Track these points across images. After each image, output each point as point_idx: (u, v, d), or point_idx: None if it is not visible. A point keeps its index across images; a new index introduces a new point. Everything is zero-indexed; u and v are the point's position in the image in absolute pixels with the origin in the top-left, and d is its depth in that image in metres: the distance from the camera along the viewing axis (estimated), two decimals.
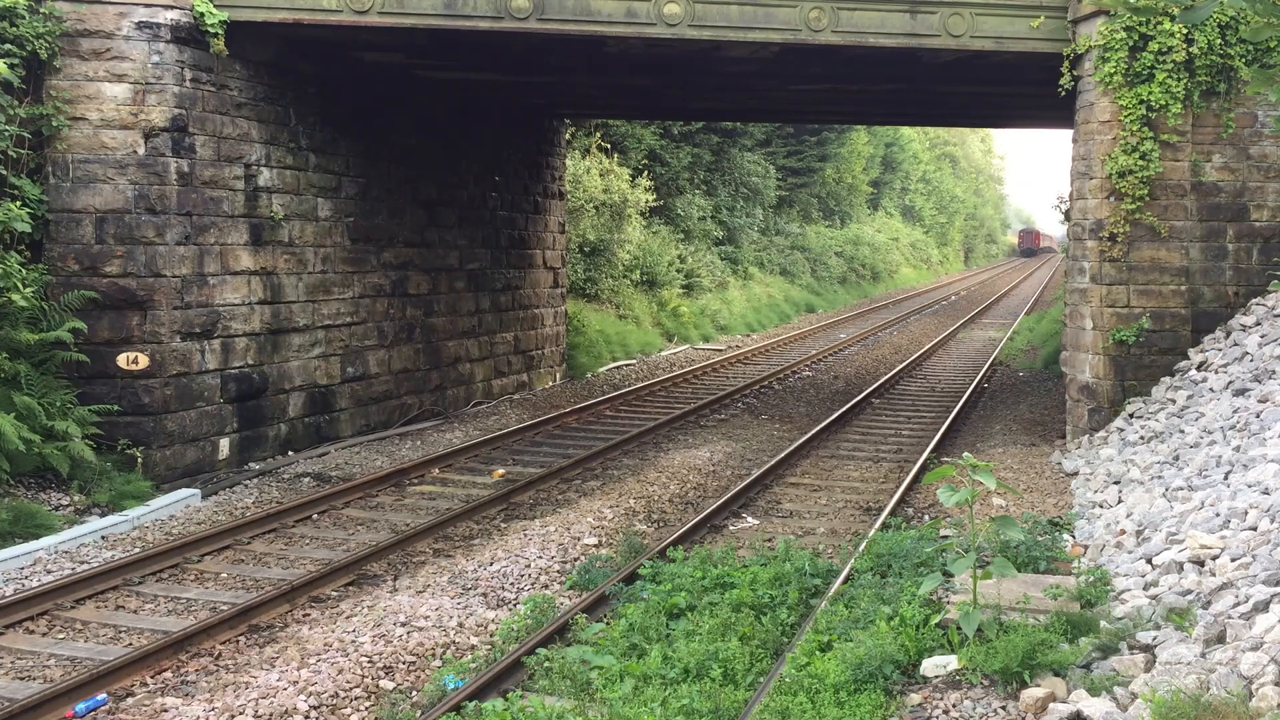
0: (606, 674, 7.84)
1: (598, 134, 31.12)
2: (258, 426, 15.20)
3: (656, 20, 14.47)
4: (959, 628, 7.51)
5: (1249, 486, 9.07)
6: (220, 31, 13.81)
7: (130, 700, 7.94)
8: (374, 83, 17.66)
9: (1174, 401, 13.36)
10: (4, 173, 12.83)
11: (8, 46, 12.79)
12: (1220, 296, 14.79)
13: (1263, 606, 6.75)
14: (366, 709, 7.85)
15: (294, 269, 15.79)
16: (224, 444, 14.57)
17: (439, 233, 19.74)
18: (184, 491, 13.28)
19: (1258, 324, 13.72)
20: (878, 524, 11.87)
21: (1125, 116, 14.33)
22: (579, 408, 19.80)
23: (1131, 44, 14.23)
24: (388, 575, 10.79)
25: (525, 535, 11.79)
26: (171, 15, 13.52)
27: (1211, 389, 12.76)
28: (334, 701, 7.87)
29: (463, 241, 20.56)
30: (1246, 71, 14.12)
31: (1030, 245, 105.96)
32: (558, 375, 24.52)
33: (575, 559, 11.09)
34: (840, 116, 33.40)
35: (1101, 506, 11.30)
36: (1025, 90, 18.13)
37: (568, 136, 27.02)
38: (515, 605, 9.81)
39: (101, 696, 7.85)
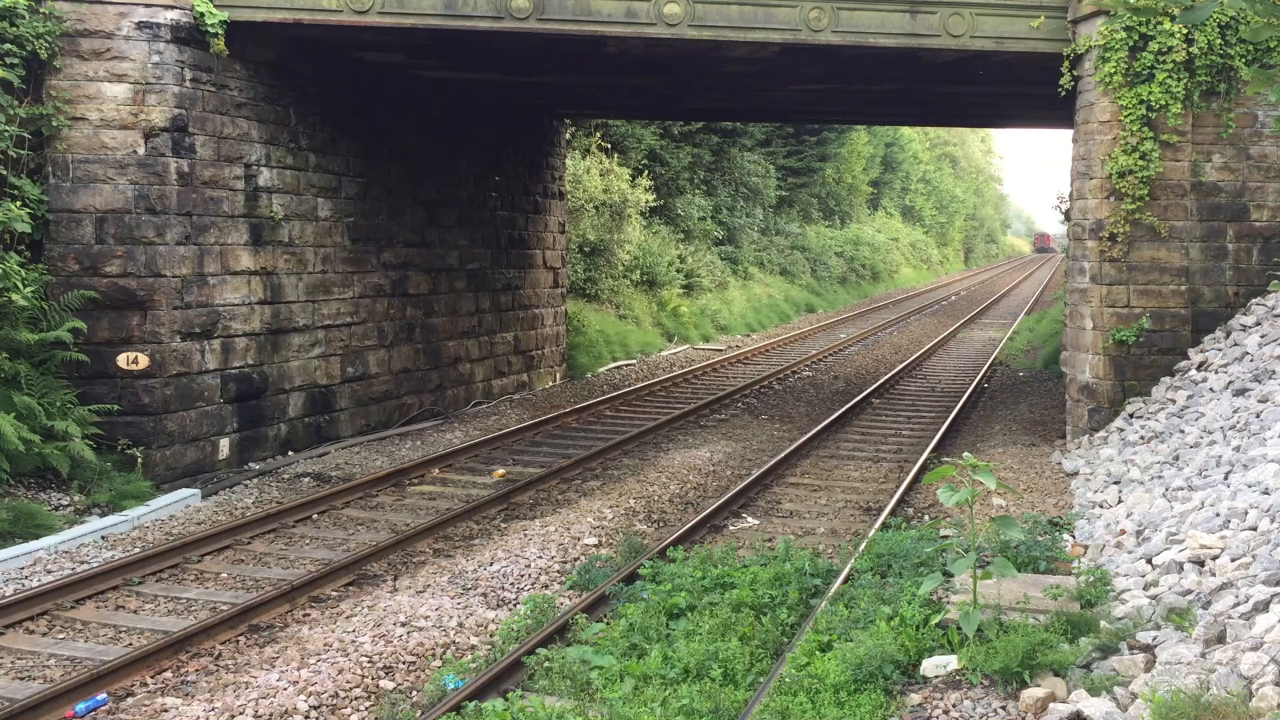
0: (606, 674, 7.84)
1: (598, 134, 31.11)
2: (258, 426, 15.21)
3: (656, 20, 14.47)
4: (959, 628, 7.51)
5: (1249, 486, 9.07)
6: (220, 31, 13.82)
7: (130, 700, 7.94)
8: (374, 83, 17.66)
9: (1174, 401, 13.36)
10: (4, 173, 12.83)
11: (8, 46, 12.79)
12: (1220, 296, 14.78)
13: (1263, 606, 6.75)
14: (366, 709, 7.85)
15: (294, 269, 15.79)
16: (224, 444, 14.57)
17: (439, 233, 19.75)
18: (184, 491, 13.28)
19: (1258, 324, 13.72)
20: (878, 524, 11.87)
21: (1125, 116, 14.33)
22: (579, 408, 19.80)
23: (1131, 44, 14.23)
24: (388, 575, 10.78)
25: (525, 535, 11.79)
26: (171, 15, 13.53)
27: (1211, 389, 12.76)
28: (334, 701, 7.88)
29: (463, 241, 20.56)
30: (1246, 71, 14.11)
31: (1043, 245, 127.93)
32: (558, 375, 24.52)
33: (575, 559, 11.09)
34: (840, 116, 33.39)
35: (1101, 506, 11.30)
36: (1025, 90, 18.13)
37: (568, 136, 27.01)
38: (515, 605, 9.81)
39: (101, 696, 7.85)
